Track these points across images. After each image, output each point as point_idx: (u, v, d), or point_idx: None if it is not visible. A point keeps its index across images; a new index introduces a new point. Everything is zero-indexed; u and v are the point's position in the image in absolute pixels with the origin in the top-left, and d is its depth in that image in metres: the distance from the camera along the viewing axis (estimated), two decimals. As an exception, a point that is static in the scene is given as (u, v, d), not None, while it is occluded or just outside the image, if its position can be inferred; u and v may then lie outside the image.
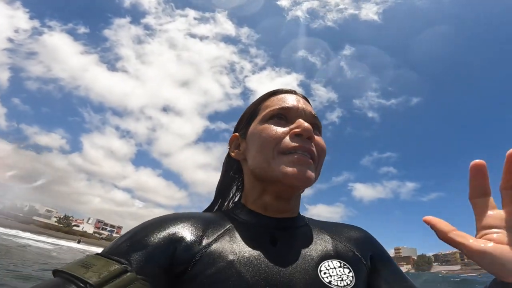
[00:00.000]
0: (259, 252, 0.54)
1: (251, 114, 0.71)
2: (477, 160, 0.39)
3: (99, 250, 0.55)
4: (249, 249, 0.54)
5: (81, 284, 0.42)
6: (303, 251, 0.57)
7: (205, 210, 0.75)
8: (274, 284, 0.49)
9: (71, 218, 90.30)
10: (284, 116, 0.65)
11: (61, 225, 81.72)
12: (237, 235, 0.57)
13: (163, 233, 0.53)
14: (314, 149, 0.62)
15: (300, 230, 0.63)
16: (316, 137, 0.64)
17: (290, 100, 0.67)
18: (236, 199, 0.75)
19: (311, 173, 0.59)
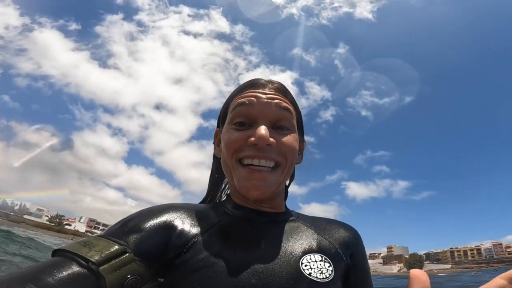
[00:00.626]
0: (246, 243, 0.58)
1: (224, 111, 0.71)
2: (416, 270, 0.34)
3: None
4: (237, 240, 0.58)
5: (83, 262, 0.44)
6: (287, 245, 0.60)
7: (201, 202, 0.78)
8: (259, 271, 0.52)
9: (62, 217, 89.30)
10: (245, 120, 0.64)
11: (53, 224, 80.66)
12: (226, 227, 0.61)
13: (158, 220, 0.56)
14: (274, 155, 0.62)
15: (286, 225, 0.66)
16: (281, 138, 0.63)
17: (253, 101, 0.64)
18: (228, 191, 0.77)
19: (264, 186, 0.60)
